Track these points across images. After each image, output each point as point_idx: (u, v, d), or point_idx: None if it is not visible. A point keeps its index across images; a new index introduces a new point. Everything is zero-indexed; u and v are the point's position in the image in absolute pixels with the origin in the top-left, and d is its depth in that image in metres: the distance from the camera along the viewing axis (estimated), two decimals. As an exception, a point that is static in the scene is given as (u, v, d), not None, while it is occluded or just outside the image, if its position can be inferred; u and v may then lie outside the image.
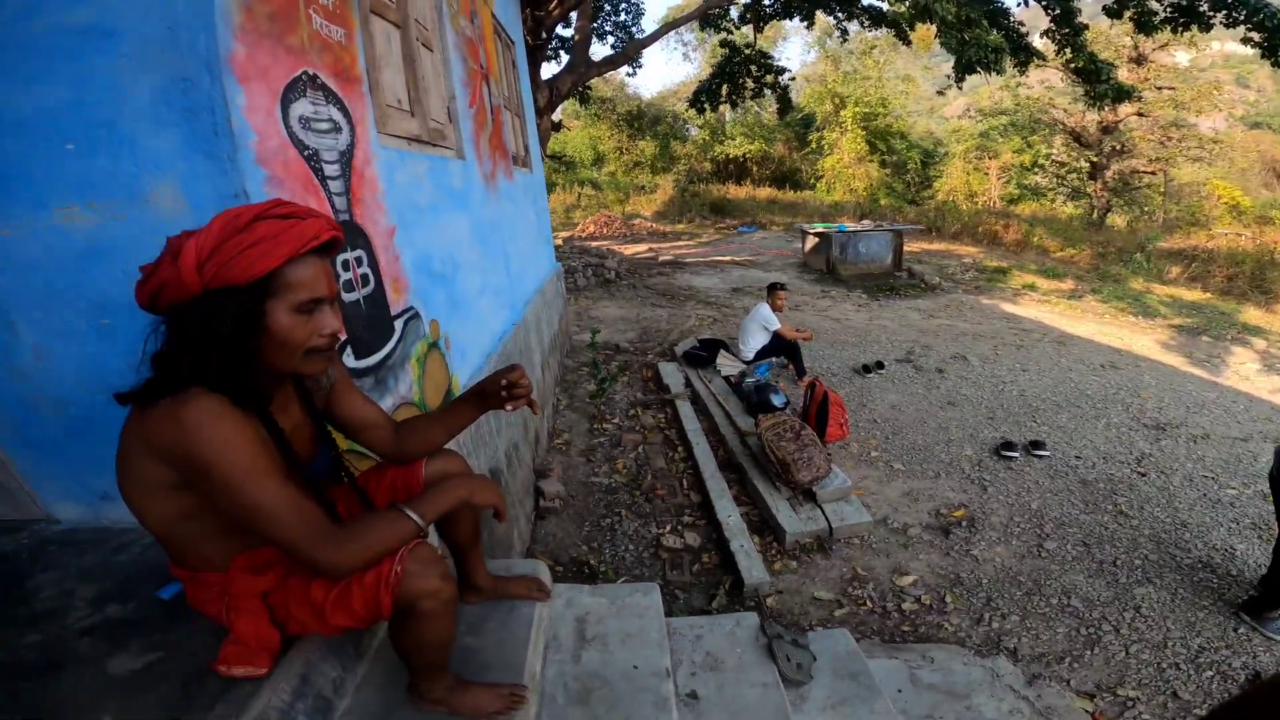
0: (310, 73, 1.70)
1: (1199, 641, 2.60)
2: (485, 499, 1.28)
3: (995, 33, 8.06)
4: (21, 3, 1.34)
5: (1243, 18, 7.46)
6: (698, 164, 24.69)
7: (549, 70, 10.06)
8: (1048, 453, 4.29)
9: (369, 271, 1.96)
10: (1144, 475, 4.00)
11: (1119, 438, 4.60)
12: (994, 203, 18.86)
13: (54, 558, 1.73)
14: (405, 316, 2.15)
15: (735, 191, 22.06)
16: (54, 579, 1.63)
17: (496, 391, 1.35)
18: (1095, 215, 16.71)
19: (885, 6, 9.34)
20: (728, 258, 12.37)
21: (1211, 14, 7.71)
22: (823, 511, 3.47)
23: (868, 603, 2.88)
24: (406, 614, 1.15)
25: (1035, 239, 13.51)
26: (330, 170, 1.80)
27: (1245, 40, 7.73)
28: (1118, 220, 16.99)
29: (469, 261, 3.03)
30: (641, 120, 25.14)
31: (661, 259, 12.06)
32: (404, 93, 2.44)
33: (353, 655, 1.52)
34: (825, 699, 1.92)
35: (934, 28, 8.27)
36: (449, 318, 2.57)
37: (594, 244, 13.49)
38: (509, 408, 1.36)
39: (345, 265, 1.81)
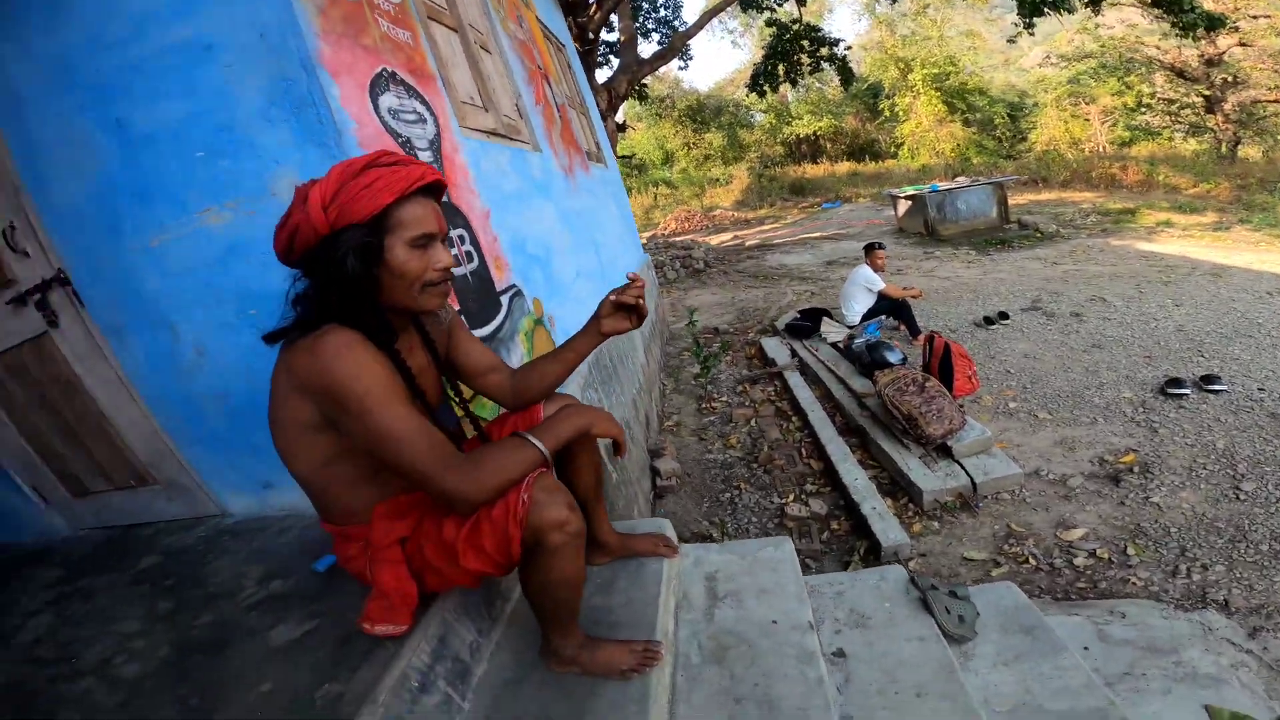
0: (389, 69, 1.76)
1: None
2: (605, 429, 1.24)
3: None
4: (127, 29, 1.47)
5: None
6: (768, 148, 24.06)
7: (602, 76, 10.19)
8: (1224, 387, 3.71)
9: (472, 249, 2.00)
10: (1355, 401, 3.36)
11: (1313, 365, 3.91)
12: (1102, 148, 17.15)
13: (226, 546, 1.87)
14: (509, 293, 2.18)
15: (812, 170, 21.36)
16: (227, 564, 1.77)
17: (608, 310, 1.32)
18: (1224, 149, 15.05)
19: None
20: (816, 234, 11.88)
21: None
22: (961, 467, 3.18)
23: (1030, 560, 2.58)
24: (535, 550, 1.12)
25: (1161, 177, 12.06)
26: (424, 156, 1.85)
27: None
28: (1251, 152, 15.09)
29: (561, 247, 3.05)
30: (704, 113, 24.89)
31: (748, 244, 11.77)
32: (474, 90, 2.49)
33: (486, 618, 1.53)
34: (995, 655, 1.72)
35: None
36: (549, 298, 2.59)
37: (678, 239, 13.41)
38: (631, 324, 1.32)
39: (449, 242, 1.85)
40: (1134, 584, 2.36)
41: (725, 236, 13.27)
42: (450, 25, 2.41)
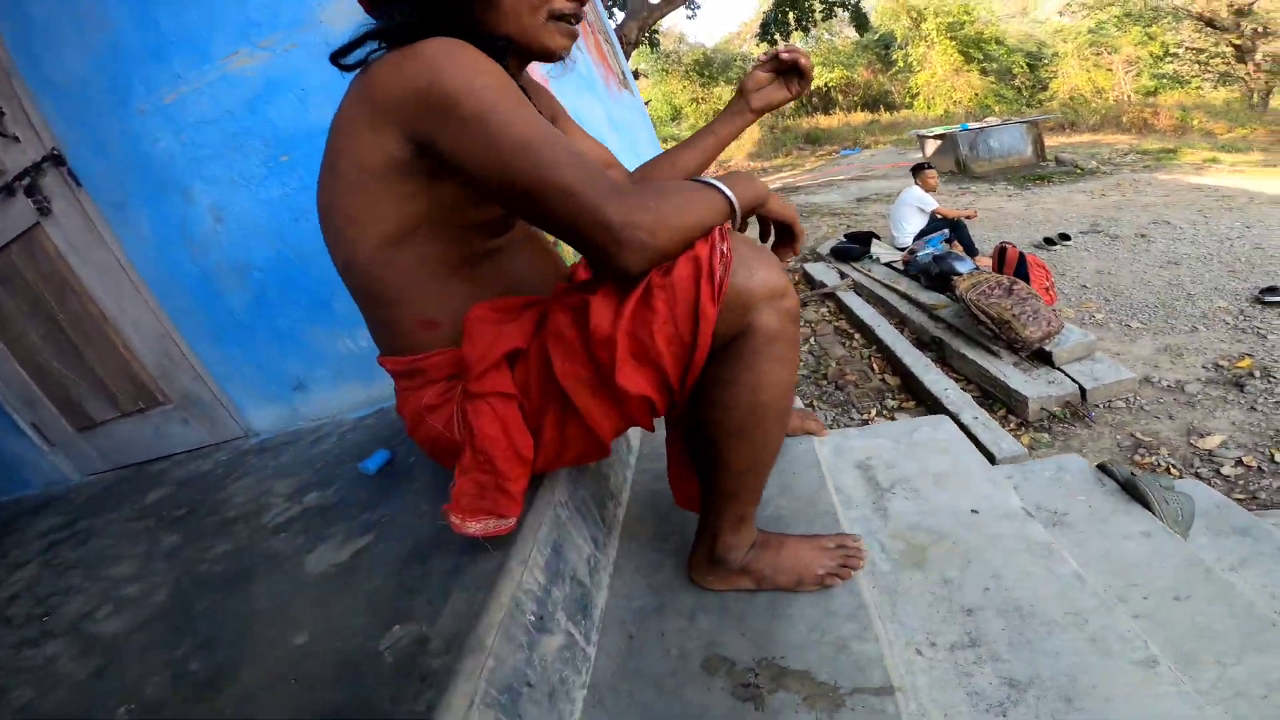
0: None
1: None
2: (786, 211, 0.81)
3: None
4: None
5: None
6: None
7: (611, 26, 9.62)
8: (1328, 291, 3.38)
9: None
10: None
11: None
12: (1128, 97, 16.71)
13: (249, 466, 1.57)
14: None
15: (826, 121, 20.79)
16: (248, 485, 1.44)
17: (760, 81, 1.01)
18: (1255, 99, 14.90)
19: None
20: (841, 177, 11.37)
21: None
22: (1064, 373, 2.85)
23: (1172, 471, 2.26)
24: (736, 347, 0.72)
25: (1195, 123, 11.69)
26: None
27: None
28: None
29: (614, 148, 2.74)
30: (711, 67, 24.22)
31: (772, 187, 11.30)
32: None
33: (599, 524, 1.11)
34: (1216, 559, 1.39)
35: None
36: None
37: (698, 186, 12.96)
38: (784, 94, 1.00)
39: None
40: (1303, 491, 2.05)
41: (742, 184, 12.80)
42: None
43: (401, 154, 0.71)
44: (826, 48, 23.22)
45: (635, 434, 1.47)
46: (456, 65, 0.67)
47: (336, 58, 0.78)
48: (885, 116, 20.59)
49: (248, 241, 1.57)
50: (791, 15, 11.24)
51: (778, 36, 11.56)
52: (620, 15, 10.48)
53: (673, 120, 25.06)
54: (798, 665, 0.82)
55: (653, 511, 1.20)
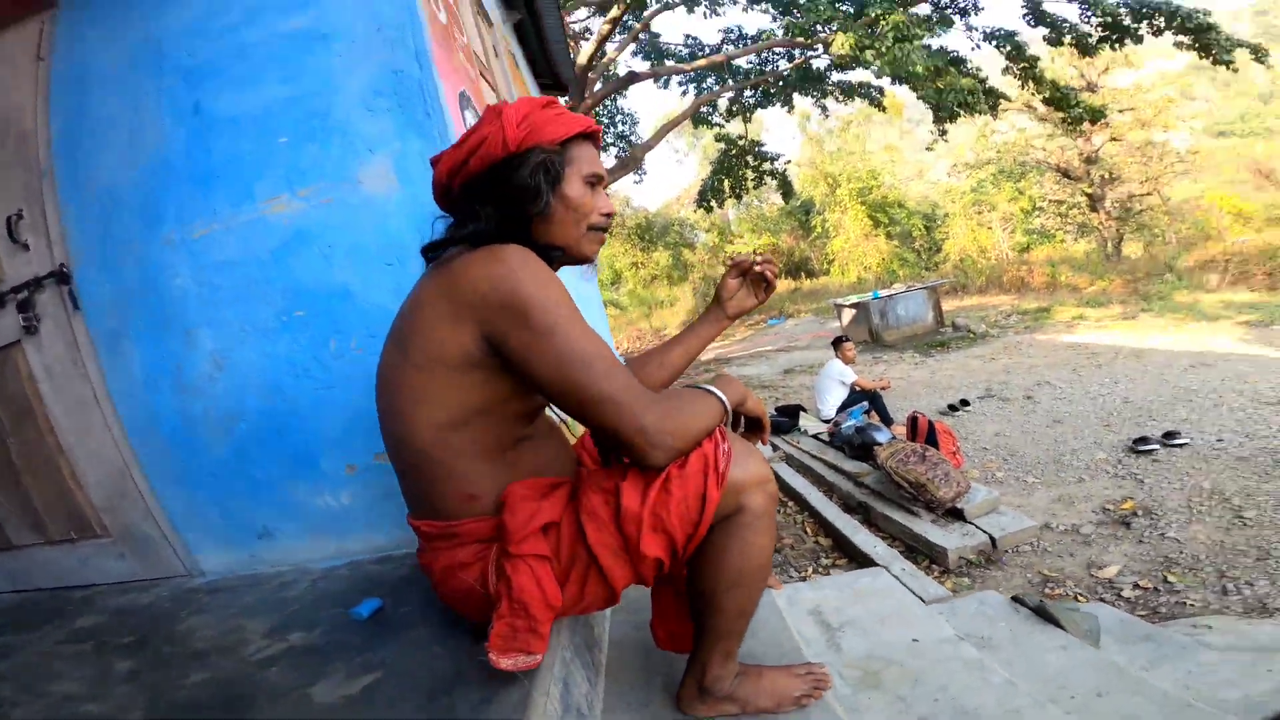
0: (465, 93, 1.81)
1: None
2: (758, 408, 1.09)
3: (966, 78, 8.47)
4: (243, 13, 1.47)
5: (1164, 24, 7.88)
6: (709, 269, 24.16)
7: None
8: (1186, 440, 3.98)
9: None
10: (1301, 442, 3.68)
11: (1249, 417, 4.31)
12: (1006, 255, 18.09)
13: (204, 603, 1.52)
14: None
15: None
16: (209, 621, 1.42)
17: (732, 288, 1.24)
18: (1110, 248, 16.35)
19: (856, 79, 9.91)
20: (768, 348, 12.38)
21: (1136, 25, 8.12)
22: (976, 526, 3.16)
23: (1079, 598, 2.52)
24: (730, 521, 0.95)
25: (1062, 278, 13.22)
26: None
27: (1178, 44, 8.13)
28: (1133, 249, 16.48)
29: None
30: (651, 231, 25.10)
31: (704, 358, 12.13)
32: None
33: (591, 667, 1.28)
34: (1129, 662, 1.61)
35: (905, 95, 8.71)
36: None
37: (634, 355, 13.62)
38: (764, 292, 1.24)
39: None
40: (1192, 605, 2.32)
41: (676, 355, 13.57)
42: (490, 83, 2.54)
43: (475, 348, 0.89)
44: (755, 214, 24.57)
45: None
46: (532, 277, 0.87)
47: (427, 252, 0.99)
48: (806, 283, 21.66)
49: (242, 392, 1.57)
50: (727, 183, 12.00)
51: (714, 203, 12.37)
52: None
53: (613, 284, 25.35)
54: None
55: (635, 655, 1.35)
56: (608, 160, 12.31)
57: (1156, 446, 3.95)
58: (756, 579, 1.01)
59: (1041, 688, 1.39)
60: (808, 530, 3.64)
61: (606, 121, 12.72)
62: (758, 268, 1.23)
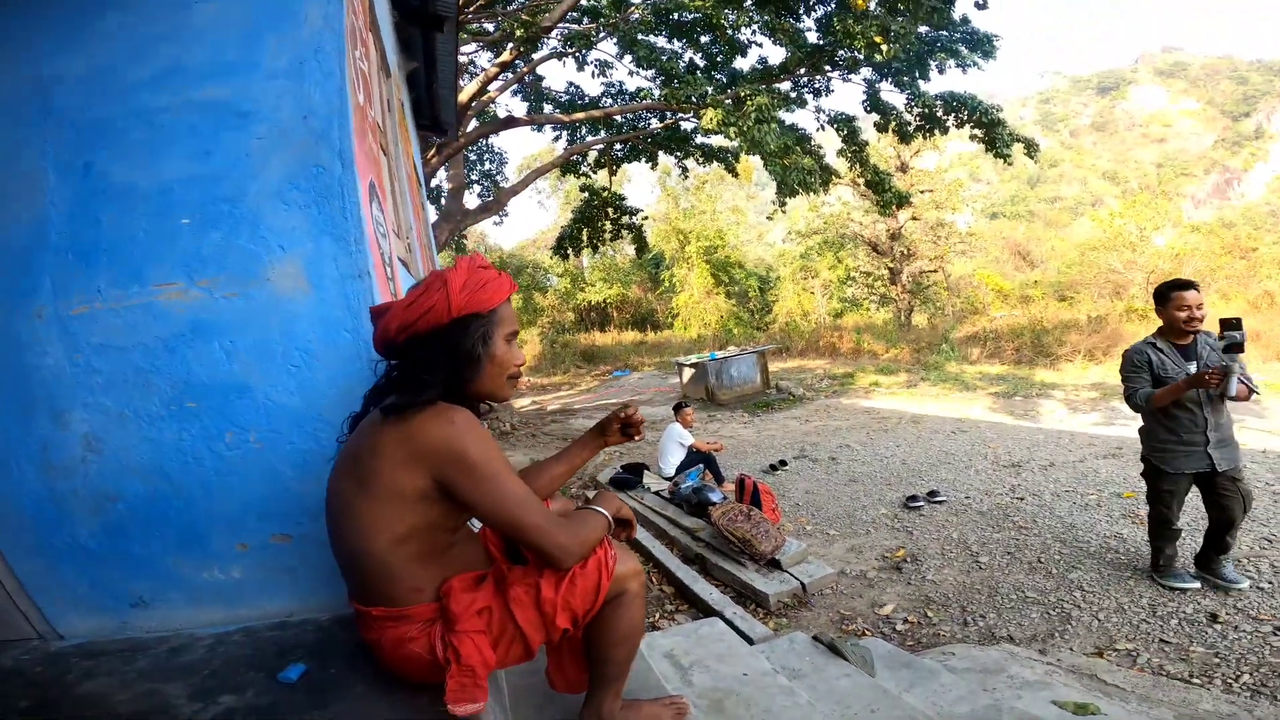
0: (374, 183, 1.87)
1: (1147, 599, 3.02)
2: (629, 514, 1.44)
3: (808, 157, 9.70)
4: (150, 76, 1.41)
5: (966, 117, 9.85)
6: (560, 314, 24.52)
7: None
8: (944, 498, 4.95)
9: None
10: (1022, 500, 4.75)
11: (990, 478, 5.44)
12: (824, 319, 20.02)
13: (87, 670, 1.44)
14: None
15: (601, 338, 22.16)
16: (107, 685, 1.37)
17: (614, 425, 1.55)
18: (903, 317, 18.26)
19: (717, 144, 10.76)
20: (613, 400, 12.82)
21: (945, 118, 10.10)
22: (790, 574, 3.70)
23: (866, 633, 3.07)
24: (615, 600, 1.28)
25: (865, 345, 15.03)
26: (387, 271, 1.91)
27: (972, 137, 10.14)
28: (920, 319, 18.54)
29: None
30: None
31: (550, 409, 12.24)
32: (394, 216, 2.69)
33: (505, 708, 1.55)
34: (895, 684, 2.08)
35: (756, 161, 9.62)
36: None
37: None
38: (636, 436, 1.55)
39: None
40: (945, 635, 2.96)
41: (525, 401, 13.52)
42: (382, 148, 2.59)
43: (427, 487, 1.13)
44: (609, 263, 25.14)
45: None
46: (475, 437, 1.12)
47: (388, 412, 1.13)
48: (651, 336, 22.36)
49: (120, 475, 1.48)
50: (585, 233, 12.34)
51: (570, 251, 12.57)
52: (434, 215, 10.72)
53: (460, 323, 24.49)
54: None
55: (531, 697, 1.63)
56: (471, 200, 12.21)
57: (923, 503, 4.87)
58: (636, 638, 1.41)
59: (833, 708, 1.78)
60: (653, 579, 3.97)
61: (474, 159, 12.60)
62: (632, 429, 1.54)
